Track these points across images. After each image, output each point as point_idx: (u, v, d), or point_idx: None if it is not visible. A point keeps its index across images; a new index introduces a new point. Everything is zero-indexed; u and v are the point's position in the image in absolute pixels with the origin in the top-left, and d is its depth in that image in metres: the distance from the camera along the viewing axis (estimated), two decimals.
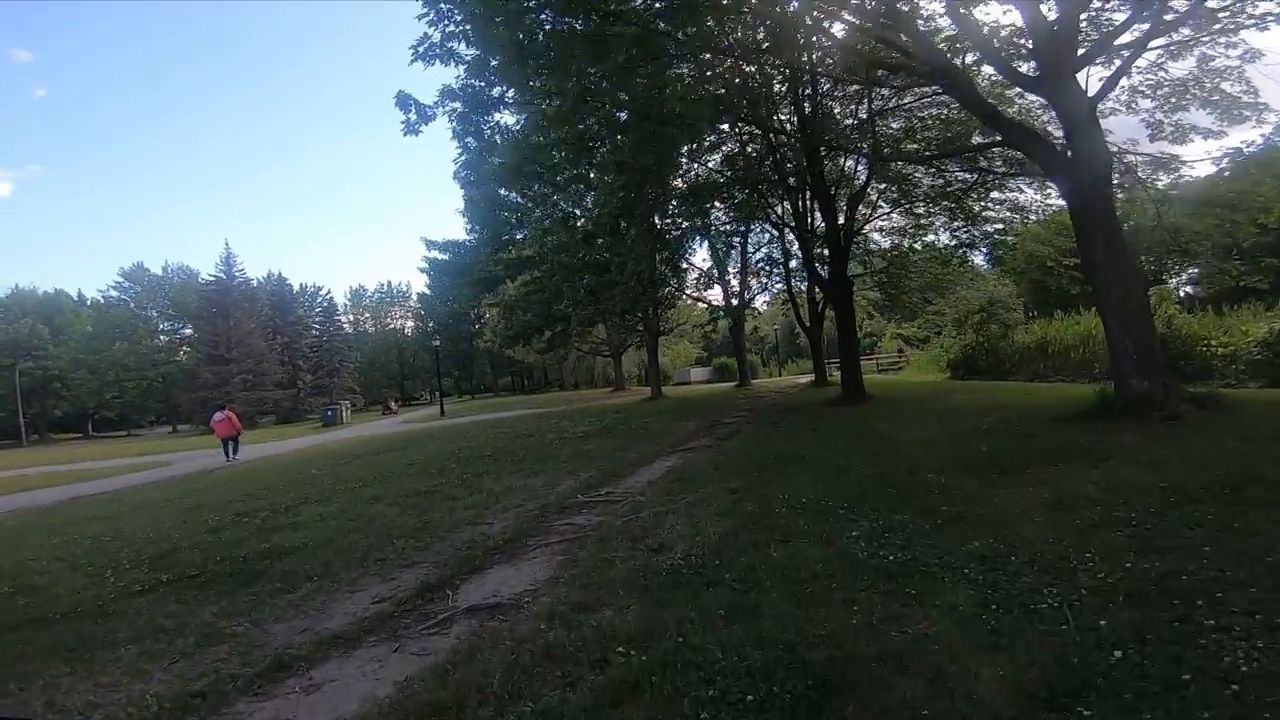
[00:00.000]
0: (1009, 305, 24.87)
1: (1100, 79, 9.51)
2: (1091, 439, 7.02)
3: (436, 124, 12.62)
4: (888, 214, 17.38)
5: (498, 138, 13.45)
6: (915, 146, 13.68)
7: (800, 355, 67.20)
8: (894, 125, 13.66)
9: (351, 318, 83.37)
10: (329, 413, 39.33)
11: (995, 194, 14.80)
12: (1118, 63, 9.59)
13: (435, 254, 27.06)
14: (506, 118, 13.67)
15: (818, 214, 17.86)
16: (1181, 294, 41.71)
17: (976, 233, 15.83)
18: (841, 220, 16.15)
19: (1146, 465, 5.72)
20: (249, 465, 16.74)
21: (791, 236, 22.97)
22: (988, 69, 11.75)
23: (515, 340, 27.30)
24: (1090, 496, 5.06)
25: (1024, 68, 10.26)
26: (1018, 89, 11.58)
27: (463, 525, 6.42)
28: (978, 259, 19.32)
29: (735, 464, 7.93)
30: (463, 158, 14.67)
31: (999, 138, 10.85)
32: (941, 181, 14.99)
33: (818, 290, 23.58)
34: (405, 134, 11.78)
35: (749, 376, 31.32)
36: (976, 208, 15.32)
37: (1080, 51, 8.92)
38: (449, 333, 67.91)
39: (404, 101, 11.53)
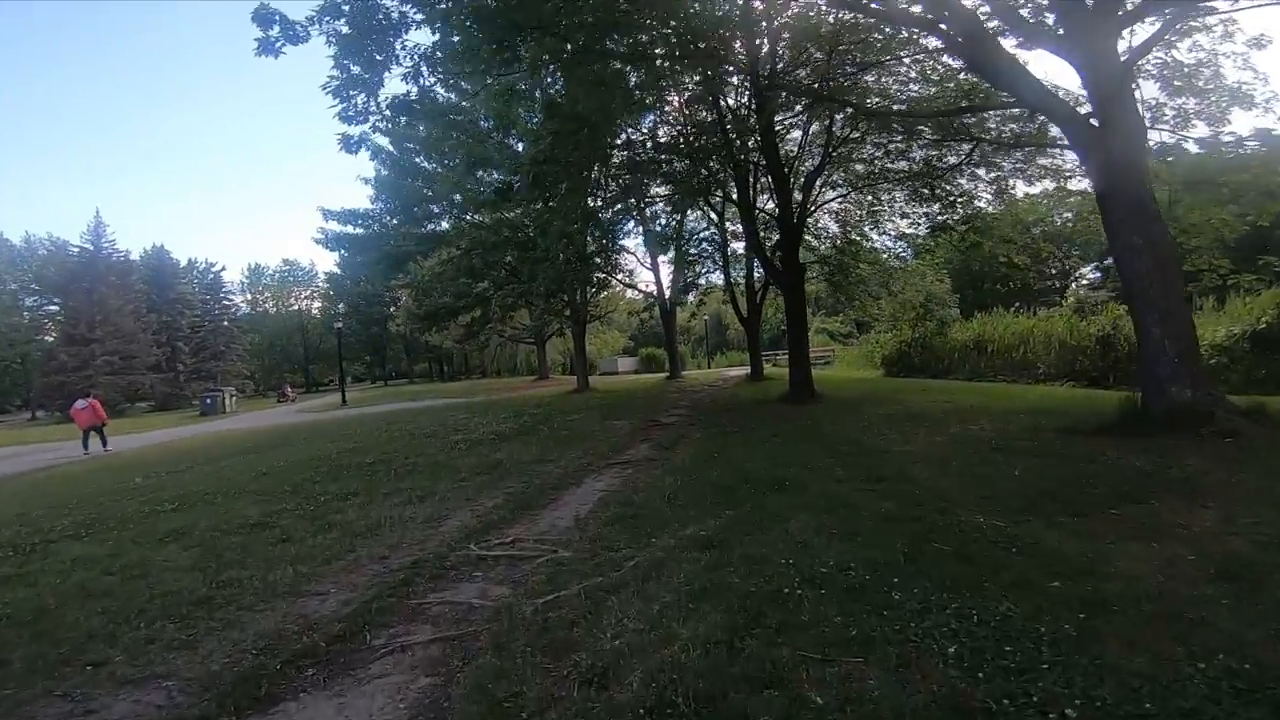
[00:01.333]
0: (945, 302, 24.20)
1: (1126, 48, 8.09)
2: (1152, 462, 5.46)
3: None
4: (845, 196, 15.80)
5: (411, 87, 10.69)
6: (896, 106, 12.05)
7: (728, 347, 66.75)
8: (868, 79, 11.93)
9: (249, 297, 76.31)
10: (208, 400, 34.78)
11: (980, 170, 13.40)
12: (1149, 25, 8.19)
13: (334, 225, 23.56)
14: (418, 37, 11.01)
15: (768, 194, 16.17)
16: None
17: (955, 214, 14.42)
18: (797, 198, 14.47)
19: (1273, 503, 4.15)
20: (66, 469, 13.31)
21: (733, 220, 21.32)
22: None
23: (427, 323, 24.36)
24: (1246, 556, 3.37)
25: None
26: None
27: (278, 595, 4.06)
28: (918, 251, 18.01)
29: (695, 490, 5.89)
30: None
31: (1002, 101, 9.33)
32: (916, 156, 13.47)
33: (758, 278, 22.10)
34: (260, 53, 8.96)
35: (680, 368, 29.61)
36: (961, 183, 13.85)
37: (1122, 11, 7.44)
38: (360, 315, 62.96)
39: (265, 18, 8.74)
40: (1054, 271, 57.77)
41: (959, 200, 13.91)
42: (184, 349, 50.57)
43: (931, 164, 13.29)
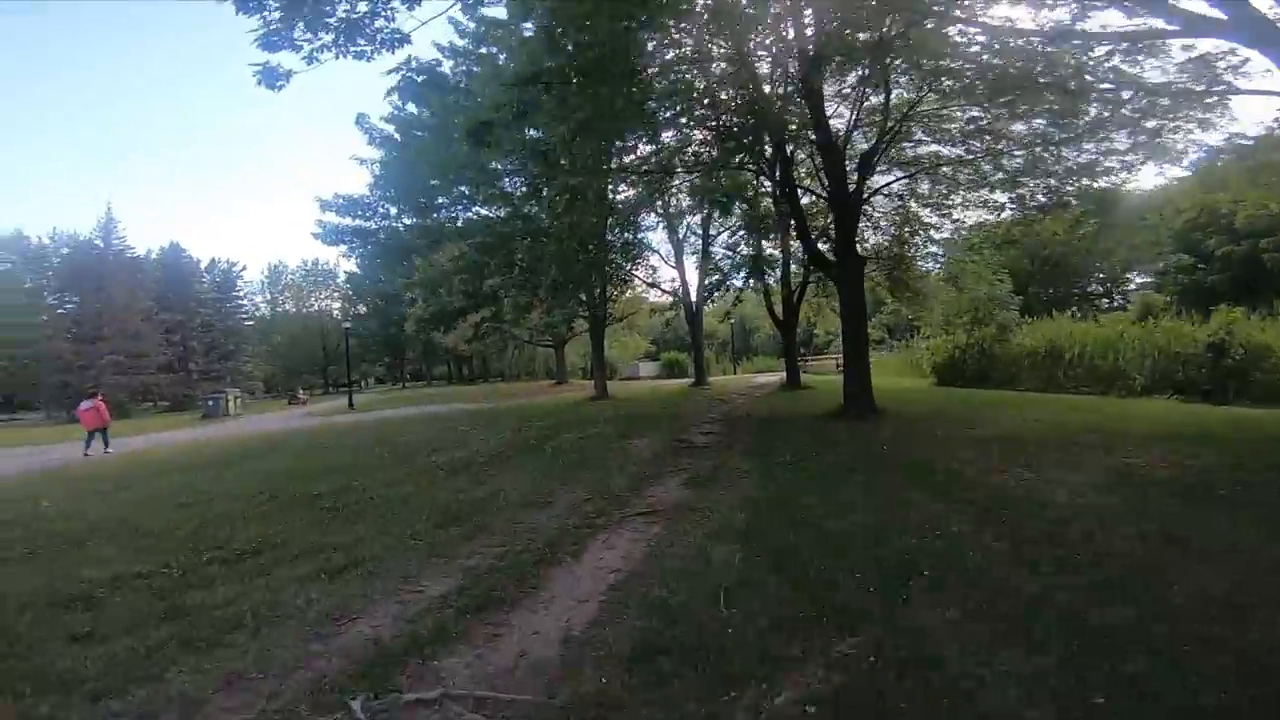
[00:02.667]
0: (1006, 303, 21.46)
1: None
2: None
3: None
4: (910, 176, 13.25)
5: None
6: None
7: (754, 352, 64.04)
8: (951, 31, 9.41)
9: (268, 297, 75.61)
10: (210, 403, 33.22)
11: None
12: None
13: (332, 217, 21.65)
14: None
15: (812, 177, 13.81)
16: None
17: (1070, 186, 11.66)
18: (854, 181, 12.05)
19: None
20: None
21: (767, 212, 18.96)
22: None
23: (434, 324, 22.35)
24: None
25: None
26: None
27: None
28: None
29: (766, 582, 3.60)
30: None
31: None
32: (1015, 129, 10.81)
33: (807, 273, 19.72)
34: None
35: (705, 374, 27.28)
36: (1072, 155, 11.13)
37: None
38: (380, 316, 61.53)
39: None
40: (1101, 275, 54.32)
41: (1071, 174, 11.17)
42: (197, 349, 49.49)
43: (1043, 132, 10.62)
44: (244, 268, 65.66)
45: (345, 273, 69.34)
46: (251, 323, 57.59)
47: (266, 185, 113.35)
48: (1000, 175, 11.60)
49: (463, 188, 19.45)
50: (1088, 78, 8.74)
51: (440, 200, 21.12)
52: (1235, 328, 14.26)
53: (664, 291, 26.89)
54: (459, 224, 20.93)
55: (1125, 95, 9.12)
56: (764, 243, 21.36)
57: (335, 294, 76.15)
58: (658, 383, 38.11)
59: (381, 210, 21.16)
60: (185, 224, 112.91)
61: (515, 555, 4.51)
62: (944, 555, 3.75)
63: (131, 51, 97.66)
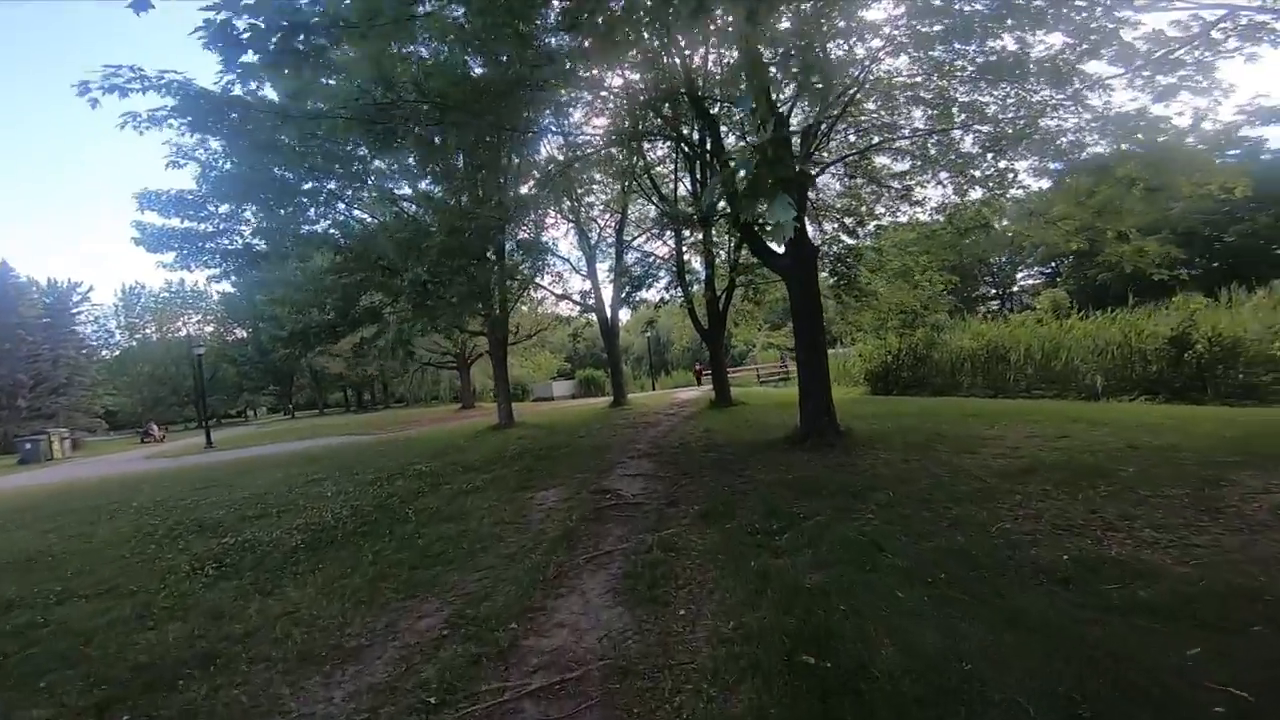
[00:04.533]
0: (938, 305, 20.00)
1: None
2: None
3: None
4: (857, 152, 11.04)
5: None
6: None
7: (669, 366, 62.02)
8: None
9: (122, 322, 66.58)
10: (28, 446, 27.29)
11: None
12: None
13: (155, 218, 17.17)
14: None
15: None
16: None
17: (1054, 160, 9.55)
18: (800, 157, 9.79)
19: None
20: None
21: (686, 203, 16.62)
22: None
23: (291, 344, 18.38)
24: None
25: None
26: None
27: None
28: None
29: None
30: None
31: None
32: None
33: (733, 275, 17.52)
34: None
35: (624, 392, 24.63)
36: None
37: None
38: (259, 340, 54.90)
39: None
40: (990, 279, 56.33)
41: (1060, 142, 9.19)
42: (24, 381, 41.68)
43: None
44: (90, 289, 57.08)
45: (219, 293, 62.11)
46: (87, 351, 49.60)
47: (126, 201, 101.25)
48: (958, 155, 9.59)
49: (330, 184, 15.95)
50: None
51: (301, 199, 17.31)
52: (1198, 317, 13.16)
53: (576, 303, 24.12)
54: (326, 229, 17.32)
55: None
56: (684, 244, 19.15)
57: (210, 318, 68.40)
58: (574, 403, 35.10)
59: (216, 210, 17.01)
60: (30, 244, 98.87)
61: None
62: None
63: None
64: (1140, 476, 5.38)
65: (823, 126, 10.30)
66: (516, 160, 16.71)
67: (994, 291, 56.82)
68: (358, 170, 16.21)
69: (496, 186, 16.33)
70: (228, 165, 15.76)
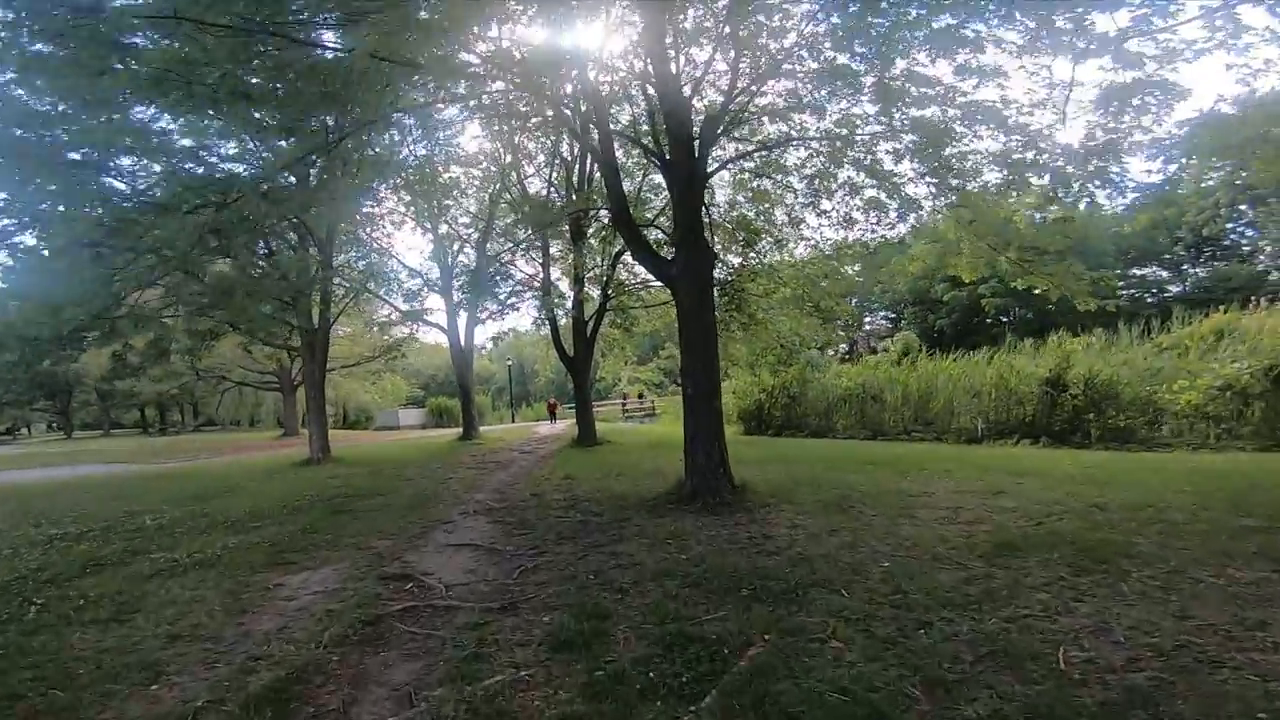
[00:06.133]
0: (812, 338, 19.02)
1: None
2: None
3: None
4: (768, 148, 9.37)
5: None
6: None
7: (531, 398, 58.81)
8: None
9: None
10: None
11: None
12: None
13: None
14: None
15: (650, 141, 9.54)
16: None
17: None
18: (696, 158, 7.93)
19: None
20: None
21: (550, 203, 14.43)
22: None
23: (21, 350, 13.66)
24: None
25: None
26: None
27: None
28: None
29: None
30: None
31: None
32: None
33: (605, 295, 15.48)
34: None
35: (476, 425, 21.61)
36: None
37: None
38: (21, 345, 44.58)
39: None
40: (837, 320, 59.71)
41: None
42: None
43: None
44: None
45: None
46: None
47: None
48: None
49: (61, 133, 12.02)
50: None
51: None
52: (1073, 359, 12.97)
53: (428, 324, 20.94)
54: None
55: None
56: (551, 261, 16.91)
57: None
58: (421, 433, 31.08)
59: None
60: None
61: None
62: None
63: None
64: (1164, 551, 3.83)
65: (732, 105, 8.43)
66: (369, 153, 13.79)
67: (842, 334, 60.06)
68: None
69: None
70: None
